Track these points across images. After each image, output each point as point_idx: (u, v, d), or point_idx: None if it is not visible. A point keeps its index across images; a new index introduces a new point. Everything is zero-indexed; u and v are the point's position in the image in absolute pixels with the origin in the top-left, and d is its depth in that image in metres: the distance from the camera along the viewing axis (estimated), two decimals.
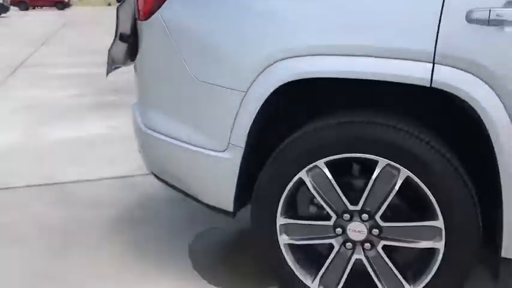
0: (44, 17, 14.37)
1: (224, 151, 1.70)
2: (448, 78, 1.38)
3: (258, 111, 1.61)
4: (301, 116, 1.75)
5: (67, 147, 3.59)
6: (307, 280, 1.72)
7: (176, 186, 1.96)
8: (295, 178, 1.63)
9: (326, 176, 1.59)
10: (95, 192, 2.83)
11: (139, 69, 1.96)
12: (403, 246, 1.61)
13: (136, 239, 2.31)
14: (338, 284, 1.68)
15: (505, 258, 1.52)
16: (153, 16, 1.80)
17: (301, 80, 1.54)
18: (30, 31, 10.80)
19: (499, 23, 1.32)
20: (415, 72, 1.41)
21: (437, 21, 1.37)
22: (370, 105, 1.65)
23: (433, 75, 1.39)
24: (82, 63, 7.16)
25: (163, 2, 1.76)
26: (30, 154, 3.48)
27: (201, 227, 2.42)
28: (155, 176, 2.06)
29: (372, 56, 1.44)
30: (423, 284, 1.59)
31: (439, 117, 1.64)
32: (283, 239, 1.71)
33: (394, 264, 1.62)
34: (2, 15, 14.78)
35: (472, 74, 1.36)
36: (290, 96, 1.69)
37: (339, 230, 1.64)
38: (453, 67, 1.37)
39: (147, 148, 2.00)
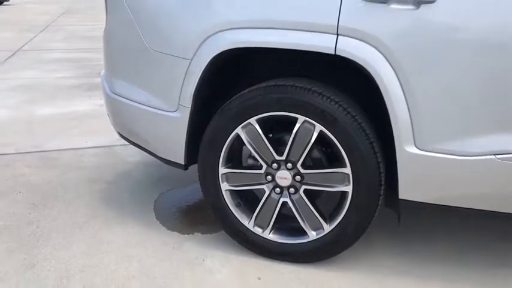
0: (46, 5, 14.65)
1: (175, 111, 2.01)
2: (349, 47, 1.68)
3: (203, 77, 1.90)
4: (244, 82, 2.05)
5: (55, 122, 3.90)
6: (244, 221, 2.04)
7: (138, 144, 2.27)
8: (233, 133, 1.93)
9: (257, 131, 1.90)
10: (77, 159, 3.14)
11: (105, 42, 2.27)
12: (320, 190, 1.92)
13: (109, 195, 2.62)
14: (269, 223, 1.99)
15: (403, 199, 1.83)
16: None
17: (242, 51, 1.83)
18: (32, 18, 11.07)
19: (385, 1, 1.62)
20: (323, 42, 1.71)
21: (340, 1, 1.67)
22: (298, 73, 1.95)
23: (337, 45, 1.69)
24: (78, 49, 7.46)
25: None
26: (21, 127, 3.79)
27: (167, 187, 2.73)
28: (121, 135, 2.37)
29: (290, 29, 1.74)
30: (336, 222, 1.90)
31: (348, 80, 1.93)
32: (225, 186, 2.02)
33: (313, 206, 1.92)
34: (5, 3, 15.03)
35: (367, 43, 1.66)
36: (235, 65, 1.99)
37: (269, 178, 1.95)
38: (352, 38, 1.67)
39: (114, 111, 2.31)
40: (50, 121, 3.94)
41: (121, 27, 2.13)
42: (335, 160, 1.87)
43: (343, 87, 1.88)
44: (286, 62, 1.97)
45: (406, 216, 2.36)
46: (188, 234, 2.27)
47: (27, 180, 2.81)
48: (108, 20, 2.21)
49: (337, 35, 1.69)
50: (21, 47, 7.48)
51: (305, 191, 1.92)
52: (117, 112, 2.28)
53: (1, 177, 2.86)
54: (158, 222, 2.38)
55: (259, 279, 1.93)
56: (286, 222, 2.01)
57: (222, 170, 2.00)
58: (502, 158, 1.64)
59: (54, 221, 2.36)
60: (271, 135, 1.93)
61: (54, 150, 3.31)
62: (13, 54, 6.90)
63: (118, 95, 2.22)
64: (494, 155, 1.65)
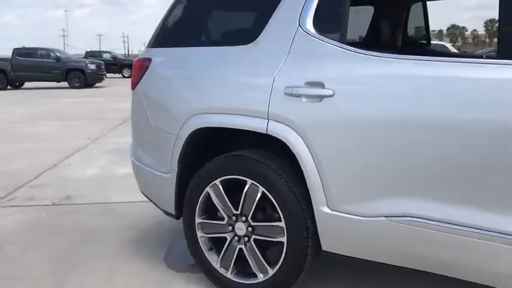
0: None
1: (168, 173, 2.65)
2: (275, 129, 2.21)
3: (185, 148, 2.53)
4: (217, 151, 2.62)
5: (121, 179, 4.75)
6: (213, 262, 2.55)
7: (150, 199, 2.93)
8: (204, 191, 2.51)
9: (220, 190, 2.46)
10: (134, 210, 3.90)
11: (131, 121, 3.01)
12: (266, 240, 2.39)
13: (140, 238, 3.29)
14: (230, 264, 2.49)
15: (327, 251, 2.24)
16: (136, 87, 2.85)
17: (211, 129, 2.43)
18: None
19: (299, 95, 2.15)
20: (258, 124, 2.26)
21: (269, 93, 2.23)
22: (251, 146, 2.49)
23: (268, 127, 2.23)
24: None
25: (140, 80, 2.81)
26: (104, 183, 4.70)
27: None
28: (142, 192, 3.05)
29: (238, 114, 2.33)
30: (277, 267, 2.35)
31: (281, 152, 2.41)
32: (199, 233, 2.57)
33: (261, 252, 2.40)
34: (97, 84, 16.44)
35: (287, 125, 2.18)
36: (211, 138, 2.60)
37: (229, 228, 2.48)
38: (277, 122, 2.21)
39: (135, 173, 3.01)
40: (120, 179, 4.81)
41: (138, 109, 2.86)
42: (274, 214, 2.35)
43: (283, 157, 2.38)
44: (245, 137, 2.51)
45: None
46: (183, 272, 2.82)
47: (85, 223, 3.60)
48: (132, 106, 2.95)
49: (268, 119, 2.23)
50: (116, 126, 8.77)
51: (255, 240, 2.41)
52: (137, 173, 2.98)
53: (69, 221, 3.68)
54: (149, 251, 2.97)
55: None
56: (242, 265, 2.49)
57: (198, 220, 2.56)
58: (391, 219, 2.02)
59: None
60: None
61: (114, 203, 4.11)
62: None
63: (137, 160, 2.93)
64: (385, 216, 2.04)
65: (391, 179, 2.00)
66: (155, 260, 2.98)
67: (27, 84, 21.13)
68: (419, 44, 3.58)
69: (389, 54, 2.05)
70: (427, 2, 3.52)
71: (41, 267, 2.92)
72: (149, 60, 2.78)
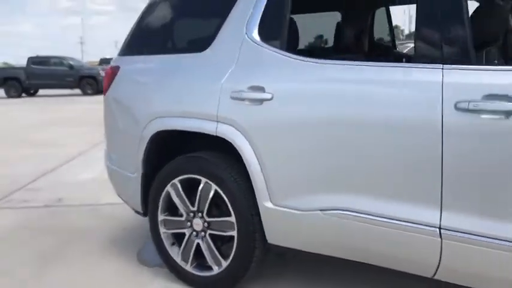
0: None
1: (134, 173, 2.84)
2: (223, 130, 2.39)
3: (148, 149, 2.72)
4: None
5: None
6: (175, 256, 2.73)
7: (123, 199, 3.12)
8: (165, 190, 2.69)
9: (179, 189, 2.64)
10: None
11: (104, 126, 3.21)
12: (220, 235, 2.56)
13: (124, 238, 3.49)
14: (189, 257, 2.67)
15: (272, 244, 2.41)
16: (106, 94, 3.06)
17: (170, 132, 2.61)
18: None
19: (243, 99, 2.32)
20: (209, 127, 2.43)
21: (218, 98, 2.41)
22: (210, 147, 2.66)
23: (217, 129, 2.41)
24: None
25: (110, 87, 3.01)
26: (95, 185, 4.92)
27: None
28: (117, 194, 3.24)
29: (191, 118, 2.51)
30: (229, 261, 2.52)
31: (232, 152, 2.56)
32: (162, 229, 2.76)
33: (215, 246, 2.57)
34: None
35: (233, 127, 2.35)
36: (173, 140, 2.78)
37: (188, 224, 2.65)
38: (225, 124, 2.38)
39: (109, 176, 3.20)
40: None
41: (108, 114, 3.06)
42: (226, 210, 2.51)
43: (233, 157, 2.55)
44: (202, 139, 2.68)
45: None
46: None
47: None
48: (104, 111, 3.15)
49: (217, 122, 2.41)
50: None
51: (210, 234, 2.59)
52: (110, 176, 3.17)
53: (59, 222, 3.89)
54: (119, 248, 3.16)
55: None
56: (200, 257, 2.66)
57: (160, 217, 2.74)
58: (325, 213, 2.18)
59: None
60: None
61: (102, 205, 4.32)
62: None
63: (110, 164, 3.12)
64: (320, 210, 2.19)
65: (324, 176, 2.16)
66: (130, 257, 3.17)
67: (41, 92, 21.64)
68: (385, 48, 3.72)
69: (324, 60, 2.21)
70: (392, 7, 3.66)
71: (26, 262, 3.14)
72: (118, 68, 2.98)
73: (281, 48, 2.33)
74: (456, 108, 1.83)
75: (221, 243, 2.61)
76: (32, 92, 21.33)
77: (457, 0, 1.91)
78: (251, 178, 2.34)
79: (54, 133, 9.13)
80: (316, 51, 2.84)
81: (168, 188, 2.66)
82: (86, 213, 4.13)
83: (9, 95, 20.43)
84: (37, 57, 21.93)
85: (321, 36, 3.38)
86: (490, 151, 1.79)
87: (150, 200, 2.77)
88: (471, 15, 2.22)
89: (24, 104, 17.37)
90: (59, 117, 11.90)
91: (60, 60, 21.17)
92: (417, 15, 2.02)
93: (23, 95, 20.80)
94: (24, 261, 3.18)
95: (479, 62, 2.02)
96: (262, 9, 2.40)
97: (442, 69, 1.90)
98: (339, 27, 3.48)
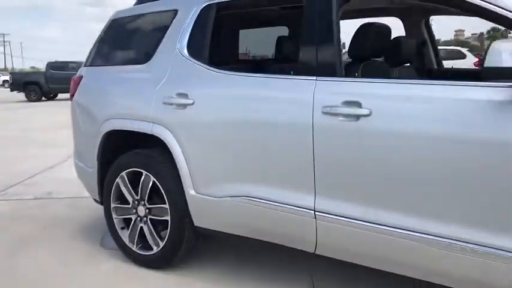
0: None
1: (92, 168, 3.30)
2: (157, 130, 2.83)
3: (102, 146, 3.18)
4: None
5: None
6: (124, 238, 3.18)
7: (88, 192, 3.59)
8: (115, 181, 3.15)
9: (126, 180, 3.09)
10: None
11: (72, 127, 3.68)
12: (158, 219, 3.00)
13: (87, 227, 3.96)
14: (135, 239, 3.11)
15: (198, 226, 2.84)
16: (73, 99, 3.54)
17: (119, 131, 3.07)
18: None
19: (171, 104, 2.76)
20: (146, 127, 2.88)
21: (153, 103, 2.86)
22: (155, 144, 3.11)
23: (152, 129, 2.86)
24: None
25: (75, 93, 3.49)
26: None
27: None
28: (84, 187, 3.70)
29: (131, 119, 2.96)
30: (164, 241, 2.96)
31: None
32: (114, 215, 3.21)
33: (154, 229, 3.01)
34: None
35: (165, 127, 2.79)
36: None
37: (133, 210, 3.10)
38: (158, 124, 2.82)
39: (77, 172, 3.67)
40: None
41: (74, 116, 3.53)
42: (162, 198, 2.95)
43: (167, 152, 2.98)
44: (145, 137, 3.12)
45: None
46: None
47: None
48: (71, 112, 3.63)
49: (153, 123, 2.86)
50: None
51: (150, 219, 3.03)
52: (77, 172, 3.64)
53: (42, 212, 4.39)
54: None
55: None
56: (144, 240, 3.10)
57: (113, 204, 3.20)
58: (234, 199, 2.60)
59: None
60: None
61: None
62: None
63: (77, 161, 3.60)
64: (230, 197, 2.62)
65: (231, 169, 2.58)
66: (95, 241, 3.63)
67: (60, 96, 22.47)
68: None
69: (234, 72, 2.64)
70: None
71: (2, 243, 3.63)
72: (81, 77, 3.46)
73: (203, 62, 2.76)
74: (322, 112, 2.24)
75: (162, 227, 3.05)
76: (51, 96, 22.14)
77: (330, 27, 2.33)
78: (179, 170, 2.78)
79: (60, 135, 9.68)
80: (234, 64, 3.29)
81: (118, 179, 3.12)
82: (67, 204, 4.62)
83: (29, 99, 21.30)
84: (55, 62, 22.79)
85: (246, 50, 3.80)
86: (346, 147, 2.19)
87: (104, 190, 3.22)
88: (353, 34, 2.63)
89: (42, 107, 18.14)
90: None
91: (77, 65, 21.92)
92: (301, 38, 2.44)
93: (43, 98, 21.62)
94: (0, 242, 3.67)
95: (346, 75, 2.41)
96: (190, 30, 2.84)
97: (316, 80, 2.31)
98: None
